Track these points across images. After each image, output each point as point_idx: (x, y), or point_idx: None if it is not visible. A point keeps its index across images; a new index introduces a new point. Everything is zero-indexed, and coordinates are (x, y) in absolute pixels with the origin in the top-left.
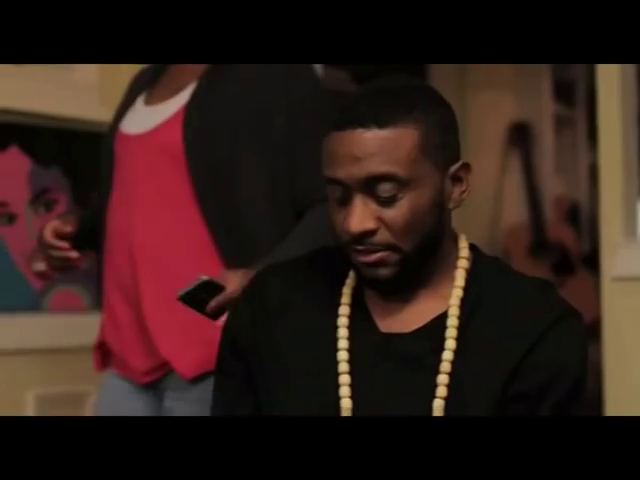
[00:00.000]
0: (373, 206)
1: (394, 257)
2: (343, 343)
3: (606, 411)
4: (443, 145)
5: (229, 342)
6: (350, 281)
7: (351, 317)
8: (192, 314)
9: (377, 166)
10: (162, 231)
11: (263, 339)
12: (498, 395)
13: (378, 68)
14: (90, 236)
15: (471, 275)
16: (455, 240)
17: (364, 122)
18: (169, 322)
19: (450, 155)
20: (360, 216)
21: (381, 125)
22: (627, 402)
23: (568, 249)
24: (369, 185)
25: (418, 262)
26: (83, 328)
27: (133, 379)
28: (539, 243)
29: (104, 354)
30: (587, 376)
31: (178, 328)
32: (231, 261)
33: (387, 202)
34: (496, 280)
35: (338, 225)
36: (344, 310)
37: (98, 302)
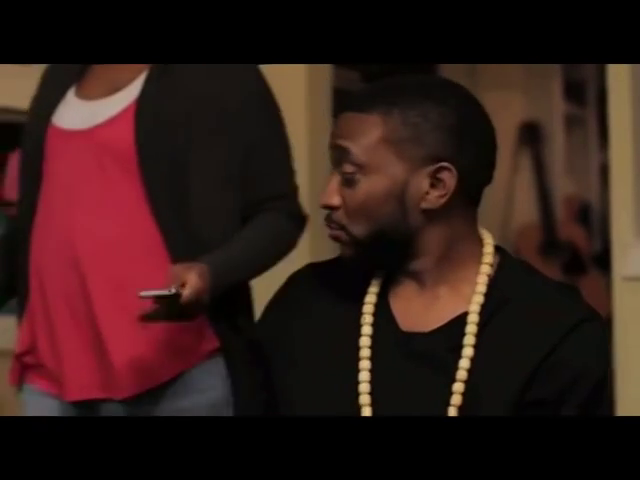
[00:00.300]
0: (340, 185)
1: (346, 238)
2: (365, 341)
3: (617, 410)
4: (416, 141)
5: (253, 339)
6: (376, 282)
7: (374, 316)
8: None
9: (340, 140)
10: (111, 237)
11: (285, 336)
12: (515, 397)
13: (388, 68)
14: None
15: (494, 280)
16: (480, 243)
17: (348, 106)
18: (128, 337)
19: (426, 153)
20: (328, 190)
21: (354, 109)
22: (638, 401)
23: (579, 249)
24: (338, 162)
25: (377, 251)
26: None
27: (66, 396)
28: (550, 243)
29: (22, 367)
30: (609, 381)
31: (135, 344)
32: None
33: (348, 182)
34: (519, 284)
35: None
36: (368, 309)
37: None
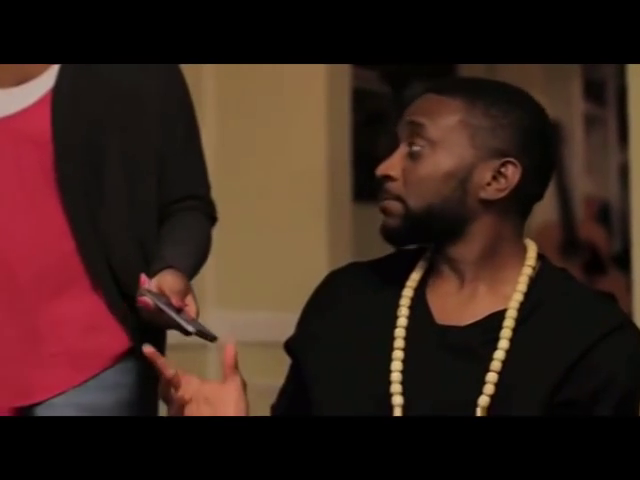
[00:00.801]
0: (405, 158)
1: (397, 208)
2: (400, 332)
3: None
4: (492, 133)
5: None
6: (415, 276)
7: (411, 309)
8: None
9: (416, 116)
10: (25, 231)
11: (321, 330)
12: (546, 398)
13: (407, 68)
14: None
15: (534, 282)
16: (523, 249)
17: (431, 89)
18: (45, 338)
19: (497, 146)
20: (390, 161)
21: (439, 92)
22: None
23: (599, 249)
24: (409, 137)
25: (425, 228)
26: None
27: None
28: (570, 243)
29: None
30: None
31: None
32: (93, 265)
33: (414, 155)
34: (558, 288)
35: None
36: (405, 302)
37: None
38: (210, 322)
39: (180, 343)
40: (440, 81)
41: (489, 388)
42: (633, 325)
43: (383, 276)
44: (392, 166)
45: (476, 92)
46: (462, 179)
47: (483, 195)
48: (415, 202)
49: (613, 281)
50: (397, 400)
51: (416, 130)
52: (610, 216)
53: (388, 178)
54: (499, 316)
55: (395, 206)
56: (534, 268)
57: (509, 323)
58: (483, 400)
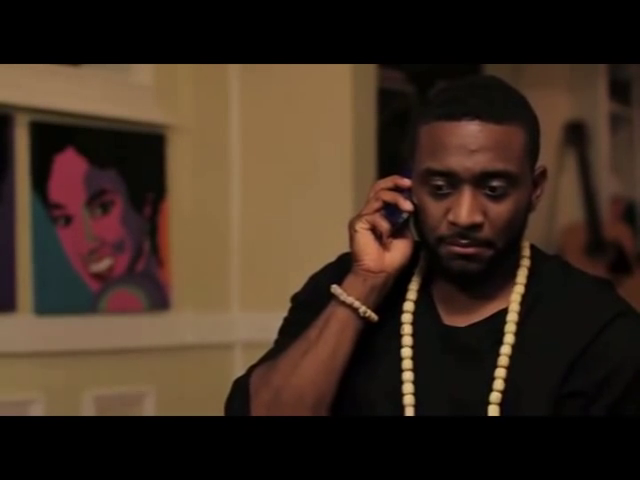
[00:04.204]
0: (481, 200)
1: (488, 253)
2: (407, 329)
3: None
4: (537, 148)
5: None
6: (417, 277)
7: (416, 311)
8: None
9: (493, 162)
10: None
11: None
12: (556, 390)
13: (433, 68)
14: None
15: (532, 273)
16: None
17: (481, 115)
18: None
19: (536, 159)
20: (470, 208)
21: (498, 120)
22: None
23: (625, 248)
24: (480, 179)
25: (503, 261)
26: (141, 329)
27: None
28: (595, 242)
29: None
30: None
31: None
32: None
33: (496, 198)
34: (556, 278)
35: (436, 216)
36: (409, 306)
37: (157, 302)
38: (235, 324)
39: (203, 343)
40: (474, 103)
41: (499, 384)
42: (633, 309)
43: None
44: (474, 213)
45: (526, 112)
46: (529, 205)
47: (532, 210)
48: (504, 243)
49: (639, 280)
50: (408, 400)
51: (490, 174)
52: (636, 216)
53: (474, 226)
54: (503, 313)
55: (486, 252)
56: (530, 258)
57: (512, 317)
58: (494, 396)
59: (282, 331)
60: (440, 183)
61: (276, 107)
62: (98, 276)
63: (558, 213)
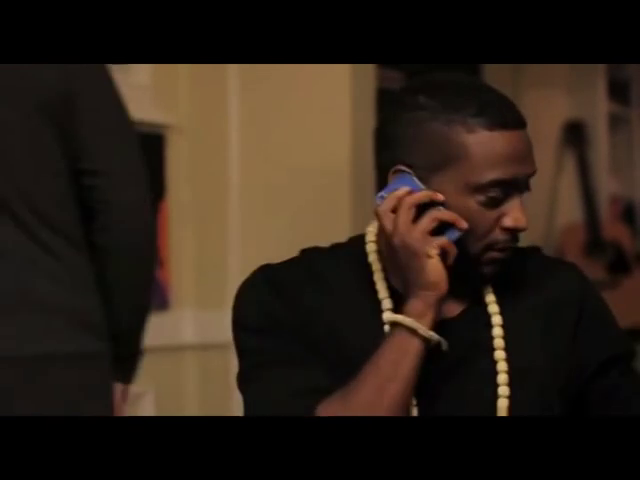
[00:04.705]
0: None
1: (509, 257)
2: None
3: None
4: None
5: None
6: (378, 274)
7: (394, 309)
8: None
9: (533, 167)
10: None
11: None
12: (565, 363)
13: (432, 68)
14: None
15: None
16: None
17: (522, 123)
18: None
19: None
20: (524, 214)
21: (520, 127)
22: None
23: (624, 248)
24: (525, 185)
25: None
26: None
27: None
28: (594, 242)
29: None
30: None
31: None
32: None
33: (522, 203)
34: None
35: (487, 224)
36: (387, 304)
37: (157, 302)
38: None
39: (202, 343)
40: (502, 106)
41: (503, 377)
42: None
43: (337, 276)
44: (526, 218)
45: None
46: None
47: None
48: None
49: (638, 280)
50: (411, 402)
51: (529, 176)
52: (635, 216)
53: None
54: (481, 301)
55: (508, 255)
56: None
57: (494, 308)
58: (503, 390)
59: (268, 360)
60: (495, 193)
61: (274, 107)
62: None
63: (557, 213)
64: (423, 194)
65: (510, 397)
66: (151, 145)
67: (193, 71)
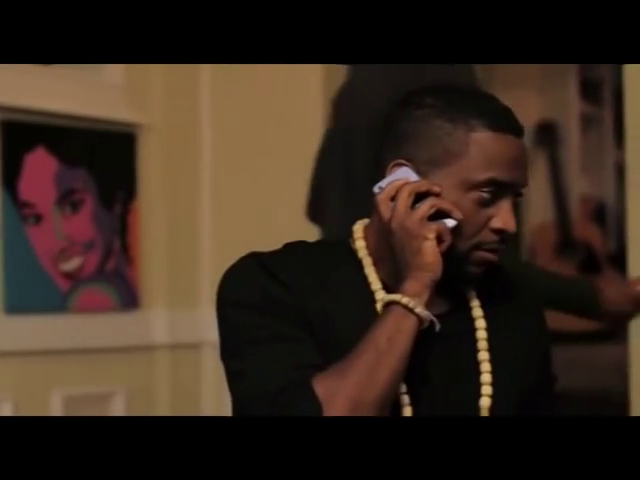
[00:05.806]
0: None
1: (497, 258)
2: None
3: (632, 411)
4: None
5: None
6: (370, 269)
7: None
8: None
9: (527, 176)
10: None
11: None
12: (536, 374)
13: None
14: None
15: None
16: None
17: (522, 131)
18: None
19: None
20: (513, 217)
21: (518, 134)
22: None
23: (594, 248)
24: (514, 189)
25: None
26: (111, 328)
27: None
28: (565, 242)
29: None
30: None
31: None
32: None
33: (513, 207)
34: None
35: (477, 224)
36: (381, 294)
37: (128, 301)
38: (205, 323)
39: (173, 343)
40: (501, 113)
41: (486, 377)
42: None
43: (331, 268)
44: (514, 222)
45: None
46: None
47: None
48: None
49: (609, 280)
50: (405, 399)
51: (522, 182)
52: (606, 216)
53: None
54: (465, 302)
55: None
56: None
57: (478, 312)
58: (484, 386)
59: (263, 336)
60: (492, 193)
61: (247, 107)
62: (68, 275)
63: (528, 213)
64: (422, 182)
65: (493, 396)
66: (123, 144)
67: (165, 71)
